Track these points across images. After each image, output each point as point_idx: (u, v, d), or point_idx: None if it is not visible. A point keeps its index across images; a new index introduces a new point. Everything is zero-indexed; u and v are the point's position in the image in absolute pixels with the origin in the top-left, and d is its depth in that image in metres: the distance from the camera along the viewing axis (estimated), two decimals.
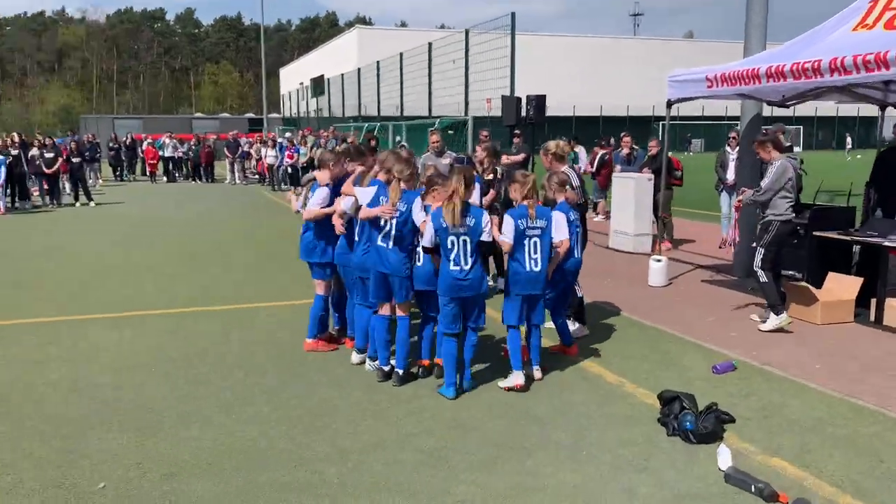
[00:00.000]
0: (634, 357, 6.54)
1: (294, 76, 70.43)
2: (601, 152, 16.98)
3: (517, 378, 5.73)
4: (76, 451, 4.53)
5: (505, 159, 15.22)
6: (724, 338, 7.08)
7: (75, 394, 5.55)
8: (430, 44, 21.84)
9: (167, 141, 29.39)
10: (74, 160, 19.67)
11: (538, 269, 5.79)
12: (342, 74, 35.58)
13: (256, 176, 28.11)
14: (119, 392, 5.57)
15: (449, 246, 5.48)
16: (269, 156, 24.65)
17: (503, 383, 5.78)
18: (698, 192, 18.74)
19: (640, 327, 7.56)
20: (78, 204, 19.77)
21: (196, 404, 5.34)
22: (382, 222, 5.68)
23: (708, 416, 4.72)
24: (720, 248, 12.18)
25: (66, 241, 13.82)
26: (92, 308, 8.33)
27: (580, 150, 18.58)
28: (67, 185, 20.67)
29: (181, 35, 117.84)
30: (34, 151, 19.13)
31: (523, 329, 6.03)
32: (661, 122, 53.22)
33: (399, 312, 5.83)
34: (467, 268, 5.50)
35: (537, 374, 6.03)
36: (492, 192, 9.50)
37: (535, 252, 5.79)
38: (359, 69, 33.07)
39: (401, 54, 24.57)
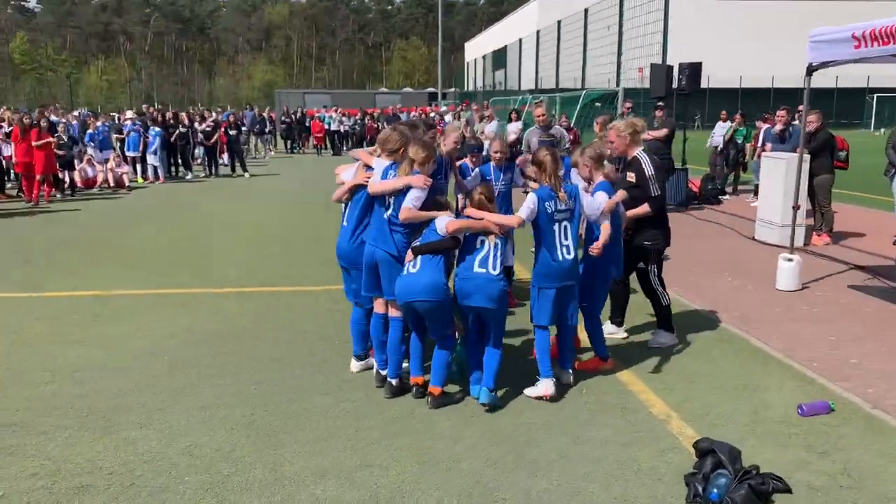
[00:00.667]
0: (703, 382, 5.31)
1: (478, 50, 70.32)
2: (764, 127, 14.89)
3: (546, 387, 4.99)
4: None
5: (646, 135, 13.79)
6: (839, 366, 5.59)
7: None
8: (585, 10, 20.39)
9: (332, 115, 30.14)
10: (231, 132, 20.52)
11: (570, 256, 5.06)
12: (520, 40, 34.43)
13: None
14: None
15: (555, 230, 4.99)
16: None
17: (531, 391, 5.04)
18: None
19: (734, 342, 6.21)
20: (235, 174, 20.69)
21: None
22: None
23: (741, 484, 3.53)
24: (895, 244, 10.10)
25: (205, 209, 14.27)
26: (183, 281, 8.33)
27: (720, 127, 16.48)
28: (226, 157, 21.67)
29: (375, 12, 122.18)
30: (198, 125, 20.25)
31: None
32: (859, 96, 46.70)
33: (392, 312, 5.05)
34: (570, 257, 5.04)
35: (568, 377, 5.25)
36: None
37: (566, 238, 5.06)
38: (538, 36, 31.92)
39: (558, 22, 23.27)
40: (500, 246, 4.88)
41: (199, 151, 21.36)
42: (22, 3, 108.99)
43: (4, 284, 8.20)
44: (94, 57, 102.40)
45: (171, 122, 19.60)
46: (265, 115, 28.38)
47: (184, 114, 20.98)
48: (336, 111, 30.62)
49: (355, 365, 5.49)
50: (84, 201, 15.33)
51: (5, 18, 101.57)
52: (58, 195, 15.47)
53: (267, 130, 28.10)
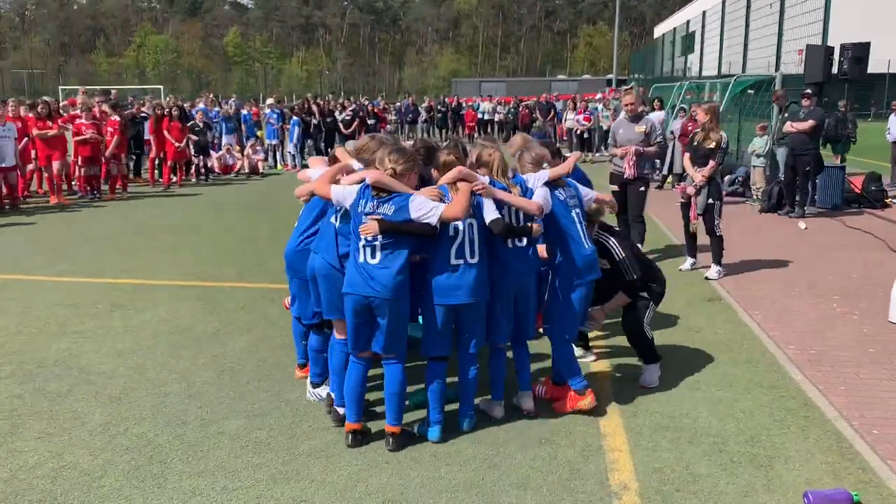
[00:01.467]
0: (705, 442, 4.18)
1: (667, 33, 66.71)
2: None
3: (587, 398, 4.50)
4: None
5: (789, 127, 11.95)
6: None
7: None
8: None
9: (486, 104, 29.63)
10: (370, 122, 20.68)
11: (592, 246, 4.66)
12: (702, 21, 31.59)
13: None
14: None
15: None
16: (569, 119, 23.19)
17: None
18: None
19: (780, 390, 4.93)
20: None
21: None
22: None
23: None
24: None
25: None
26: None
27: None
28: None
29: None
30: (339, 114, 20.60)
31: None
32: None
33: (338, 335, 4.44)
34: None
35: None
36: (712, 162, 7.85)
37: (584, 227, 4.66)
38: (703, 17, 29.39)
39: (722, 2, 21.08)
40: (475, 226, 4.18)
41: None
42: None
43: (62, 266, 8.47)
44: (295, 48, 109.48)
45: (308, 110, 20.01)
46: (419, 104, 28.46)
47: (321, 102, 21.37)
48: (490, 100, 30.07)
49: (312, 392, 4.87)
50: (213, 187, 15.99)
51: (222, 14, 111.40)
52: (192, 179, 16.30)
53: (421, 120, 28.18)
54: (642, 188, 8.60)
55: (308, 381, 4.86)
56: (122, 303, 6.96)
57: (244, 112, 19.30)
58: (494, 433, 4.32)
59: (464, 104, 30.94)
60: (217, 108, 18.85)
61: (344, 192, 4.21)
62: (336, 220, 4.38)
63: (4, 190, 12.26)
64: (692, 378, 5.16)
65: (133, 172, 16.17)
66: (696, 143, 8.08)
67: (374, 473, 3.86)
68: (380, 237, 3.99)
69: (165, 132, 15.19)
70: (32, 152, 13.09)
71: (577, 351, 5.41)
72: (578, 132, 22.21)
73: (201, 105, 19.43)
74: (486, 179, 4.40)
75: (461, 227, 4.15)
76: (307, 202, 4.76)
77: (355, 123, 20.46)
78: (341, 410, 4.40)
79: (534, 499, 3.62)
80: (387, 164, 4.13)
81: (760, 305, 6.85)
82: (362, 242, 4.03)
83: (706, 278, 7.87)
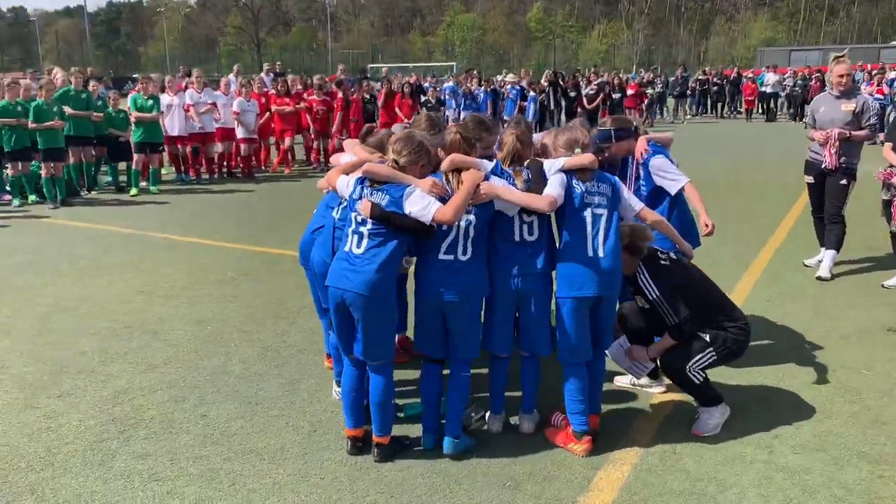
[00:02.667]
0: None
1: None
2: None
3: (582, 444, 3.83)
4: None
5: None
6: None
7: None
8: None
9: (771, 75, 26.44)
10: (615, 96, 19.59)
11: (603, 255, 3.76)
12: None
13: None
14: None
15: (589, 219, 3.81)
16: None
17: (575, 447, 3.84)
18: None
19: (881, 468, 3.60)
20: None
21: None
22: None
23: None
24: None
25: None
26: None
27: None
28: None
29: None
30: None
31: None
32: None
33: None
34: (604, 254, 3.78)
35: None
36: None
37: (598, 231, 3.78)
38: None
39: None
40: (473, 223, 3.69)
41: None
42: None
43: (231, 231, 9.14)
44: (597, 21, 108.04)
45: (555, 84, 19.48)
46: (685, 75, 26.31)
47: (569, 79, 20.61)
48: (775, 71, 26.76)
49: (336, 391, 4.50)
50: None
51: None
52: None
53: (688, 93, 26.09)
54: (844, 181, 6.94)
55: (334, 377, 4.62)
56: (250, 271, 7.31)
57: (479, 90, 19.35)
58: (458, 466, 3.73)
59: (743, 76, 27.94)
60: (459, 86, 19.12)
61: (346, 182, 3.91)
62: (337, 212, 4.10)
63: (241, 158, 13.68)
64: (773, 433, 4.01)
65: None
66: None
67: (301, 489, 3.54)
68: (369, 223, 3.63)
69: (396, 109, 15.79)
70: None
71: (644, 380, 4.54)
72: None
73: (450, 84, 19.93)
74: (489, 166, 3.84)
75: (457, 222, 3.64)
76: (328, 193, 4.50)
77: (599, 98, 19.48)
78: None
79: None
80: (390, 155, 3.78)
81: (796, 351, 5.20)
82: (352, 227, 3.70)
83: (882, 286, 6.20)
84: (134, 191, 11.79)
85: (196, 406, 4.42)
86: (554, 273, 3.85)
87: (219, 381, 4.77)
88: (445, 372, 3.89)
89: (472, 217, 3.68)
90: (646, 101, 23.67)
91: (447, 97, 19.17)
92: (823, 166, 6.94)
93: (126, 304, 6.31)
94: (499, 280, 3.76)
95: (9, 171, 10.90)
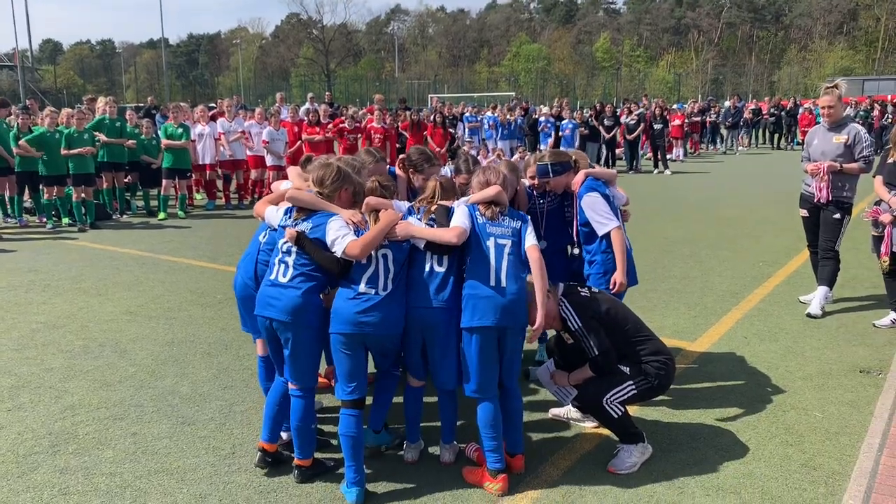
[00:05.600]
0: None
1: None
2: None
3: (497, 483, 3.75)
4: None
5: None
6: None
7: None
8: None
9: None
10: (656, 126, 19.29)
11: (506, 286, 3.74)
12: None
13: None
14: None
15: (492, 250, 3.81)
16: None
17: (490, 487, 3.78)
18: None
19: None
20: (655, 171, 19.43)
21: None
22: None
23: None
24: None
25: None
26: None
27: None
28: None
29: None
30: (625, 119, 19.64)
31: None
32: None
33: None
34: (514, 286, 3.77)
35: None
36: None
37: (501, 262, 3.78)
38: None
39: None
40: (390, 257, 3.74)
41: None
42: (611, 5, 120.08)
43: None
44: (664, 51, 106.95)
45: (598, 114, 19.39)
46: (739, 105, 25.72)
47: (608, 107, 20.41)
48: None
49: None
50: None
51: (595, 21, 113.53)
52: None
53: (741, 123, 25.52)
54: (837, 216, 6.70)
55: None
56: None
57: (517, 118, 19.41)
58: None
59: (801, 106, 27.14)
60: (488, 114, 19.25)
61: (275, 213, 4.05)
62: (264, 237, 4.22)
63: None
64: (692, 474, 3.88)
65: None
66: (891, 161, 6.06)
67: None
68: (293, 253, 3.73)
69: (428, 137, 15.98)
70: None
71: (575, 413, 4.47)
72: None
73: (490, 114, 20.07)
74: (403, 206, 3.94)
75: (374, 255, 3.71)
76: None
77: (640, 128, 19.25)
78: (285, 435, 4.16)
79: None
80: (313, 186, 3.91)
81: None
82: (278, 256, 3.81)
83: (874, 325, 5.91)
84: (162, 215, 12.26)
85: (131, 424, 4.55)
86: None
87: (163, 400, 4.91)
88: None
89: (388, 251, 3.73)
90: (696, 132, 23.26)
91: (488, 127, 19.32)
92: (816, 199, 6.73)
93: (107, 324, 6.56)
94: (409, 310, 3.78)
95: (44, 195, 11.49)
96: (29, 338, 6.19)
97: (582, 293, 4.07)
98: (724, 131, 25.79)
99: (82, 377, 5.32)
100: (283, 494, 3.75)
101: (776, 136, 27.74)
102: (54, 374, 5.37)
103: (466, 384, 3.78)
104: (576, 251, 4.90)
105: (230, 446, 4.27)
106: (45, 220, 11.62)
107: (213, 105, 17.55)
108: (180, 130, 12.33)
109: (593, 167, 5.05)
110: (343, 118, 14.86)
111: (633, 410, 4.45)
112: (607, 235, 4.55)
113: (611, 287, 4.52)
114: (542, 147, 19.07)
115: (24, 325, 6.54)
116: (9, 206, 11.94)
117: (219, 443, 4.31)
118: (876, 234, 6.32)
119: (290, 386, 3.85)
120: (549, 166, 4.76)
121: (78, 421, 4.59)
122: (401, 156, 4.49)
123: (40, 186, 11.58)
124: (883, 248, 6.16)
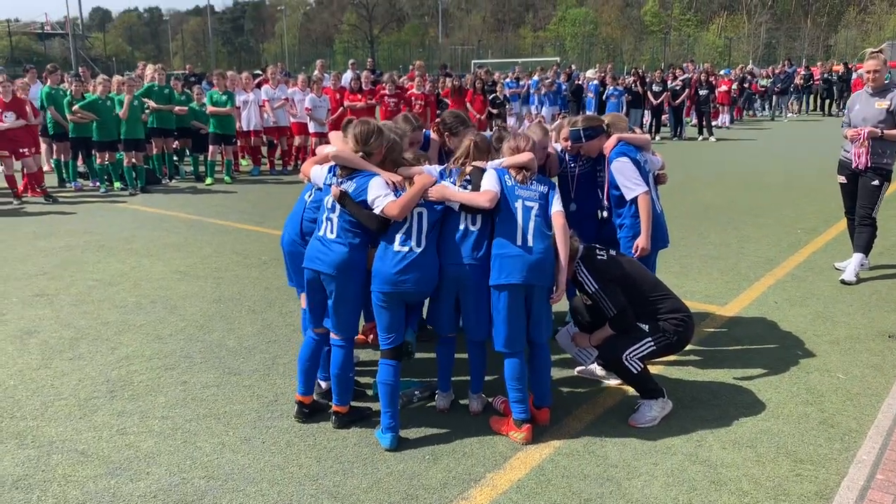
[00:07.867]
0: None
1: None
2: None
3: (522, 433, 3.95)
4: None
5: None
6: None
7: None
8: None
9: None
10: (701, 92, 19.01)
11: (533, 244, 3.91)
12: None
13: None
14: None
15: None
16: None
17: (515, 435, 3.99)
18: None
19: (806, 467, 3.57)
20: (700, 138, 19.17)
21: None
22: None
23: None
24: None
25: None
26: None
27: None
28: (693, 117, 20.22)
29: None
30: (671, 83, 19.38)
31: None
32: None
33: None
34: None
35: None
36: None
37: (529, 223, 3.94)
38: None
39: None
40: (425, 216, 3.95)
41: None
42: None
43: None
44: (716, 14, 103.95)
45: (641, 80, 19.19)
46: (790, 70, 25.09)
47: (657, 73, 20.11)
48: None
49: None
50: None
51: None
52: None
53: (791, 89, 24.92)
54: (876, 182, 6.68)
55: None
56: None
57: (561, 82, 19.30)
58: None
59: (854, 71, 26.28)
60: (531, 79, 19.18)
61: (320, 172, 4.27)
62: (310, 195, 4.45)
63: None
64: (710, 428, 4.04)
65: None
66: None
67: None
68: (338, 210, 3.96)
69: (468, 104, 16.03)
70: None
71: (600, 370, 4.65)
72: None
73: (529, 78, 19.98)
74: (435, 170, 4.14)
75: (411, 213, 3.94)
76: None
77: (684, 94, 18.98)
78: (324, 384, 4.47)
79: None
80: (353, 145, 4.11)
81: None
82: (325, 214, 4.05)
83: None
84: (209, 180, 12.63)
85: (182, 373, 4.87)
86: None
87: (211, 353, 5.22)
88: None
89: (423, 209, 3.93)
90: (742, 97, 22.83)
91: (532, 93, 19.27)
92: (854, 166, 6.70)
93: (158, 282, 6.91)
94: (443, 267, 3.98)
95: (97, 160, 11.94)
96: (86, 294, 6.57)
97: (598, 257, 4.22)
98: (774, 97, 25.23)
99: (136, 331, 5.66)
100: (321, 438, 4.01)
101: (827, 102, 27.03)
102: (110, 328, 5.72)
103: (495, 339, 3.97)
104: (604, 214, 5.02)
105: (273, 395, 4.55)
106: (98, 184, 12.10)
107: (260, 72, 17.78)
108: (225, 97, 12.62)
109: (633, 130, 5.15)
110: (384, 84, 14.98)
111: (657, 369, 4.62)
112: (634, 200, 4.67)
113: (633, 251, 4.65)
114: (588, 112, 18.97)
115: (81, 282, 6.93)
116: (64, 171, 12.44)
117: (262, 391, 4.59)
118: None
119: (332, 336, 4.09)
120: (581, 131, 4.87)
121: (133, 370, 4.92)
122: (435, 119, 4.64)
123: (93, 152, 12.01)
124: None
